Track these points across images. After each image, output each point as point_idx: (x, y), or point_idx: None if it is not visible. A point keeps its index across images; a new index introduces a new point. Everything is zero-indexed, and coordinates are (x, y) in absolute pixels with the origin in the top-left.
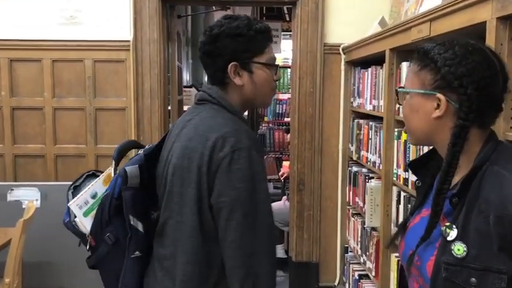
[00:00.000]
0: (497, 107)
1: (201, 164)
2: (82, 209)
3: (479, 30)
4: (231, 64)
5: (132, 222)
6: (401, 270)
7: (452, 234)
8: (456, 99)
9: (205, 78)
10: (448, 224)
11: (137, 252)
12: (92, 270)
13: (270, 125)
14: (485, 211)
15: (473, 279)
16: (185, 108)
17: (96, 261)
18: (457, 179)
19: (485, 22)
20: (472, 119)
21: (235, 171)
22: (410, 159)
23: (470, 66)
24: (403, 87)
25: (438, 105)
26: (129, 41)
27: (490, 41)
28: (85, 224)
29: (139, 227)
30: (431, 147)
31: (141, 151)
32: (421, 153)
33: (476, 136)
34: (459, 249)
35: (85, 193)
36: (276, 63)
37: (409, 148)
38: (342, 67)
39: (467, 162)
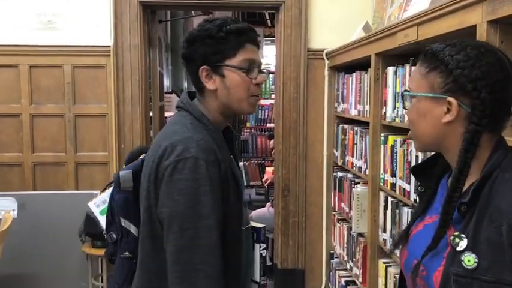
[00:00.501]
0: (509, 111)
1: (150, 172)
2: (99, 207)
3: (468, 34)
4: (201, 68)
5: (123, 224)
6: (400, 279)
7: (462, 244)
8: (469, 103)
9: (186, 84)
10: (457, 233)
11: (127, 253)
12: (71, 280)
13: (253, 130)
14: (497, 220)
15: None
16: (166, 114)
17: (108, 258)
18: (465, 185)
19: (475, 26)
20: (485, 124)
21: (176, 182)
22: (397, 164)
23: (485, 68)
24: (408, 91)
25: (448, 110)
26: (109, 46)
27: None
28: (102, 221)
29: (132, 229)
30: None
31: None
32: (409, 159)
33: (486, 142)
34: (469, 260)
35: (104, 193)
36: (255, 65)
37: (396, 153)
38: (326, 72)
39: (477, 168)
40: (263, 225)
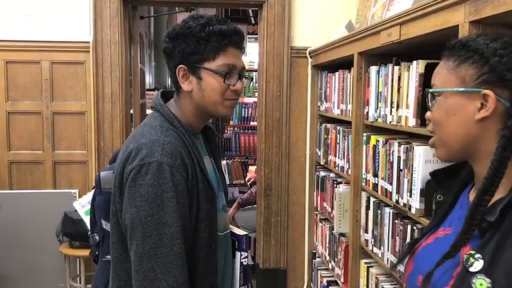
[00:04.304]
0: None
1: (116, 176)
2: (84, 208)
3: (450, 34)
4: (178, 67)
5: (104, 226)
6: None
7: (477, 265)
8: (507, 97)
9: (169, 82)
10: (472, 252)
11: (108, 256)
12: (49, 281)
13: (236, 129)
14: None
15: None
16: (148, 112)
17: (93, 259)
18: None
19: (457, 26)
20: None
21: (138, 187)
22: (380, 164)
23: None
24: (431, 89)
25: (482, 105)
26: (88, 42)
27: None
28: (87, 222)
29: None
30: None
31: None
32: (391, 159)
33: None
34: (482, 284)
35: (90, 193)
36: (236, 71)
37: (378, 153)
38: (309, 71)
39: (506, 184)
40: (245, 233)
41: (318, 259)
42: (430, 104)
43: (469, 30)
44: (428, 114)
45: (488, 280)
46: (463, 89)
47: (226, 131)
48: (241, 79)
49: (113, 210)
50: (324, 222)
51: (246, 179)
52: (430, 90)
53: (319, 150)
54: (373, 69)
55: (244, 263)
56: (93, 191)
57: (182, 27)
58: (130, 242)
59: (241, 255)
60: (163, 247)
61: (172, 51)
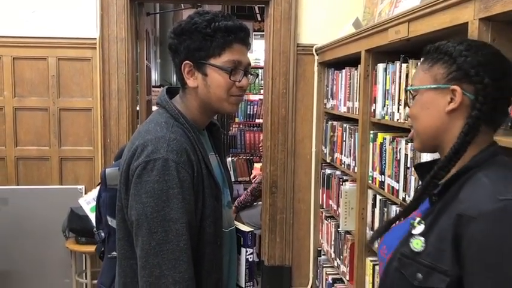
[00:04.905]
0: (507, 108)
1: (121, 172)
2: (89, 204)
3: (459, 31)
4: (184, 63)
5: (110, 223)
6: None
7: (419, 229)
8: (472, 91)
9: (174, 79)
10: (418, 219)
11: (114, 253)
12: (54, 277)
13: (241, 126)
14: (453, 212)
15: (420, 275)
16: (154, 108)
17: (99, 256)
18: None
19: (466, 23)
20: (486, 111)
21: (144, 184)
22: (386, 162)
23: (486, 56)
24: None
25: (452, 99)
26: (95, 38)
27: None
28: (93, 219)
29: None
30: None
31: None
32: (398, 157)
33: (480, 139)
34: (417, 243)
35: (95, 190)
36: (242, 67)
37: (385, 151)
38: (315, 68)
39: (461, 162)
40: (250, 229)
41: (323, 256)
42: (410, 101)
43: (478, 27)
44: (408, 111)
45: (423, 240)
46: (435, 86)
47: (231, 128)
48: (246, 75)
49: (118, 207)
50: (329, 220)
51: (251, 176)
52: (409, 88)
53: (325, 147)
54: (381, 66)
55: (250, 260)
56: (98, 187)
57: (188, 23)
58: (136, 238)
59: (246, 251)
60: (169, 243)
61: (177, 47)
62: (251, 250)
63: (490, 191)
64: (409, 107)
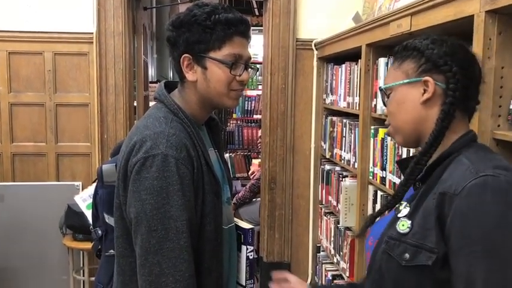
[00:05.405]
0: (477, 94)
1: (119, 168)
2: (85, 202)
3: (464, 24)
4: (183, 56)
5: (107, 220)
6: None
7: (404, 211)
8: (442, 80)
9: (171, 74)
10: (403, 202)
11: (112, 251)
12: (52, 274)
13: (239, 122)
14: (436, 192)
15: (407, 254)
16: (151, 104)
17: (96, 254)
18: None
19: (472, 16)
20: (459, 97)
21: (143, 180)
22: (388, 157)
23: (452, 47)
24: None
25: (425, 90)
26: (92, 33)
27: (478, 35)
28: (89, 216)
29: None
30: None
31: None
32: (400, 152)
33: (456, 124)
34: (403, 224)
35: (92, 186)
36: (242, 61)
37: (386, 146)
38: (314, 63)
39: (441, 148)
40: (250, 226)
41: (322, 253)
42: (384, 100)
43: (484, 20)
44: (385, 110)
45: (408, 222)
46: (407, 80)
47: (229, 124)
48: (247, 69)
49: (116, 204)
50: (328, 216)
51: (250, 173)
52: (382, 86)
53: (325, 143)
54: (382, 61)
55: (250, 257)
56: (94, 184)
57: (187, 15)
58: (135, 236)
59: (247, 249)
60: (169, 241)
61: (176, 40)
62: (251, 248)
63: (470, 169)
64: (385, 105)
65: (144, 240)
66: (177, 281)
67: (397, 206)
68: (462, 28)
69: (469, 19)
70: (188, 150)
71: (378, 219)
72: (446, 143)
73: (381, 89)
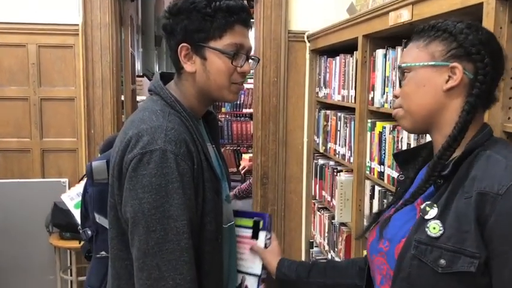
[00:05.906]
0: (496, 90)
1: (114, 165)
2: (73, 200)
3: (470, 13)
4: (181, 45)
5: (98, 220)
6: (368, 272)
7: (432, 213)
8: (471, 70)
9: (156, 68)
10: (429, 202)
11: (103, 253)
12: (38, 273)
13: (228, 116)
14: (469, 191)
15: (443, 260)
16: (138, 99)
17: (85, 255)
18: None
19: (481, 4)
20: (484, 90)
21: (140, 177)
22: (386, 152)
23: (487, 35)
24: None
25: (450, 77)
26: (77, 24)
27: (488, 24)
28: (77, 216)
29: (107, 225)
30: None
31: None
32: (400, 146)
33: (475, 120)
34: (435, 227)
35: (79, 184)
36: (244, 51)
37: (384, 140)
38: (307, 56)
39: (462, 145)
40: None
41: (315, 248)
42: (401, 79)
43: (495, 8)
44: (396, 91)
45: (440, 224)
46: (433, 63)
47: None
48: (248, 60)
49: (111, 203)
50: (322, 211)
51: (240, 168)
52: (403, 65)
53: (318, 137)
54: (380, 52)
55: (268, 244)
56: (83, 182)
57: (185, 2)
58: (132, 238)
59: (265, 235)
60: (169, 242)
61: (173, 28)
62: (269, 235)
63: (509, 167)
64: (400, 86)
65: (141, 242)
66: (177, 284)
67: (423, 207)
68: (468, 17)
69: (477, 7)
70: (188, 145)
71: (383, 217)
72: (467, 137)
73: (400, 67)
